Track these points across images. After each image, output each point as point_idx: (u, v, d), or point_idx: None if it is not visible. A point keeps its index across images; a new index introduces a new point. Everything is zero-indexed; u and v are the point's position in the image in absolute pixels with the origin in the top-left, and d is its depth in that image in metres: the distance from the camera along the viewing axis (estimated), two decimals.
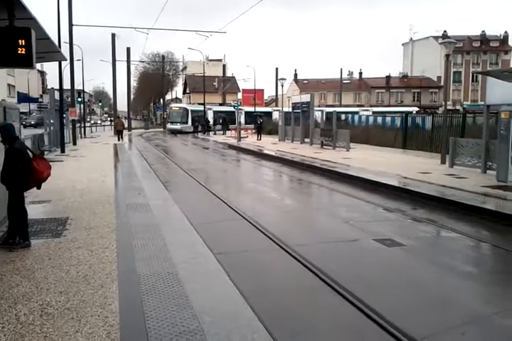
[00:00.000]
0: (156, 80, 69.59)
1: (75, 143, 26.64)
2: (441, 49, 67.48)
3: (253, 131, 38.87)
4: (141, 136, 42.67)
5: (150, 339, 3.70)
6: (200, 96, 58.39)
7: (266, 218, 8.83)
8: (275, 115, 45.29)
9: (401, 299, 5.13)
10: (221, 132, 44.66)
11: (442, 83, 72.60)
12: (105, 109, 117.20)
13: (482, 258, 7.14)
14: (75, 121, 27.68)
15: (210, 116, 50.18)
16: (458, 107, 65.80)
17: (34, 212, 7.92)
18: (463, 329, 4.39)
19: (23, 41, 6.04)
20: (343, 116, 34.92)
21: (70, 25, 26.50)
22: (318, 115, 29.60)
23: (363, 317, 4.48)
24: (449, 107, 17.90)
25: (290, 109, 30.62)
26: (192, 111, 50.16)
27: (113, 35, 47.34)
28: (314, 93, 34.80)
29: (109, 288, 4.78)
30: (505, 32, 76.00)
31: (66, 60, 14.48)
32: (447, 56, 16.63)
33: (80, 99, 39.30)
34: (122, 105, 60.40)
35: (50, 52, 9.48)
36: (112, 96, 63.02)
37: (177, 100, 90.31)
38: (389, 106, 65.37)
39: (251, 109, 54.51)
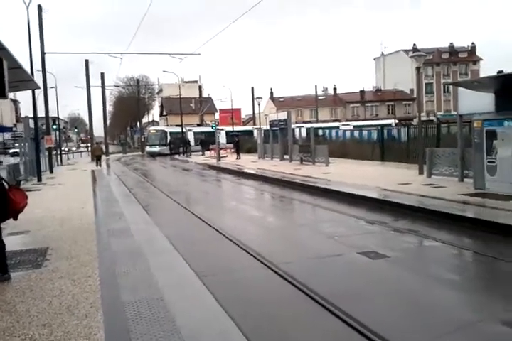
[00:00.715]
0: (131, 104, 69.63)
1: (51, 171, 26.31)
2: (412, 62, 68.99)
3: (232, 150, 38.95)
4: (119, 161, 42.40)
5: None
6: (177, 118, 58.51)
7: (249, 237, 8.79)
8: (256, 133, 45.64)
9: (388, 310, 5.13)
10: (200, 153, 44.66)
11: (415, 95, 74.10)
12: (81, 135, 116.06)
13: (465, 265, 7.22)
14: (51, 149, 27.40)
15: (191, 137, 50.46)
16: (432, 118, 67.13)
17: (12, 243, 7.74)
18: (450, 338, 4.40)
19: None
20: (321, 132, 35.36)
21: (42, 53, 26.49)
22: (298, 131, 29.88)
23: (351, 332, 4.46)
24: (423, 118, 18.25)
25: (268, 127, 30.90)
26: (170, 133, 50.23)
27: (86, 61, 47.44)
28: (291, 110, 35.27)
29: (93, 317, 4.67)
30: (473, 43, 78.52)
31: (39, 88, 14.43)
32: (418, 69, 17.02)
33: (55, 127, 38.99)
34: (98, 130, 60.25)
35: (23, 81, 9.49)
36: (87, 122, 62.74)
37: (154, 123, 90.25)
38: (364, 120, 66.27)
39: (237, 128, 55.04)
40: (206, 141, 46.18)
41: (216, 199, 15.75)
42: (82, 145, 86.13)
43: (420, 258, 7.37)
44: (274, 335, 4.62)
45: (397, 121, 51.25)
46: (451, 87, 72.37)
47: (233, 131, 50.43)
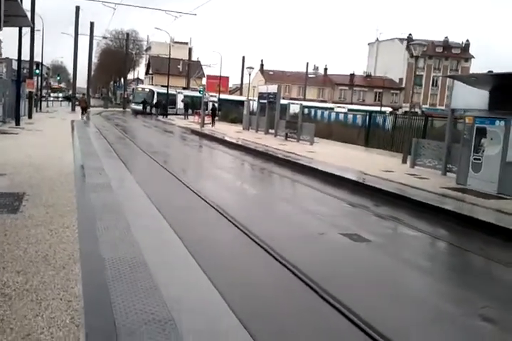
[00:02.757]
0: (118, 58, 67.55)
1: (30, 117, 25.54)
2: (405, 51, 68.84)
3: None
4: (99, 115, 41.42)
5: (117, 326, 3.50)
6: (162, 78, 57.39)
7: (232, 207, 8.66)
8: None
9: (368, 293, 5.11)
10: (182, 117, 44.09)
11: (404, 85, 74.27)
12: (62, 84, 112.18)
13: (440, 255, 7.36)
14: (32, 94, 26.52)
15: (179, 100, 49.99)
16: (417, 110, 67.45)
17: None
18: (426, 322, 4.45)
19: None
20: (307, 111, 35.06)
21: None
22: (295, 108, 28.91)
23: (332, 310, 4.43)
24: (408, 109, 18.23)
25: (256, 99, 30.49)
26: (158, 93, 49.33)
27: (77, 8, 45.55)
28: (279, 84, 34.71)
29: (71, 269, 4.51)
30: (467, 40, 78.56)
31: (31, 25, 13.80)
32: (417, 57, 16.90)
33: (37, 71, 37.69)
34: (81, 81, 58.34)
35: (16, 15, 8.98)
36: (70, 71, 60.87)
37: (139, 80, 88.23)
38: (351, 103, 66.12)
39: (226, 96, 54.65)
40: (193, 106, 45.58)
41: (199, 165, 15.60)
42: (53, 94, 78.74)
43: (400, 245, 7.40)
44: (252, 300, 4.57)
45: (391, 109, 51.87)
46: (439, 81, 72.87)
47: (226, 99, 50.04)
